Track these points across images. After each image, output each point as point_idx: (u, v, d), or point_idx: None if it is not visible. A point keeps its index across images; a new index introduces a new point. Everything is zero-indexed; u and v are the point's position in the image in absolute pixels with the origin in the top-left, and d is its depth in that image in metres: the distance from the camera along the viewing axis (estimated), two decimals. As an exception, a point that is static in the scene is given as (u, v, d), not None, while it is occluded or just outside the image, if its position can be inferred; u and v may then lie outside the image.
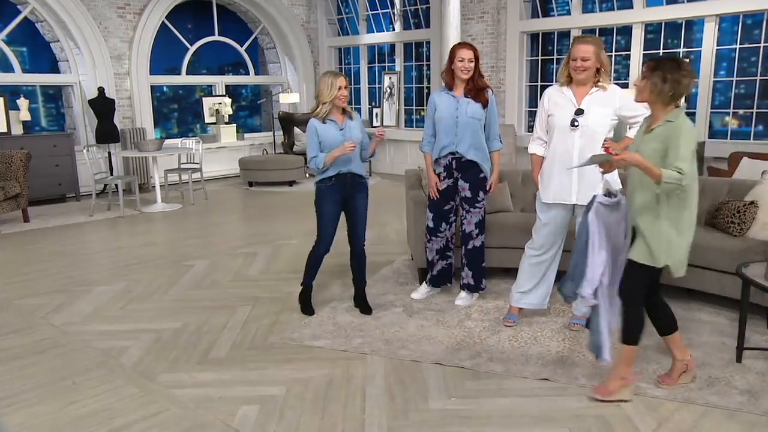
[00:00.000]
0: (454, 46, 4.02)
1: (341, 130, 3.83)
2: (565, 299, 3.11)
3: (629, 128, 3.60)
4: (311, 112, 3.91)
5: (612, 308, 2.92)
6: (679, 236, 2.77)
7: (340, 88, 3.75)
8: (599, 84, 3.48)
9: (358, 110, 11.42)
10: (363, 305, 4.13)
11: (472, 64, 3.90)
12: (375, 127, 10.62)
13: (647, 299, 2.94)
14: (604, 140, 3.47)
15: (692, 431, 2.66)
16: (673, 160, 2.62)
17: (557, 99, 3.56)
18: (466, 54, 3.89)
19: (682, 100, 2.83)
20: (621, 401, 2.90)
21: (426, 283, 4.37)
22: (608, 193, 2.92)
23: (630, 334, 2.88)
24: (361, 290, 4.17)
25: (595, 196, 2.94)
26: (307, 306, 4.12)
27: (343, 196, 3.92)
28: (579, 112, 3.46)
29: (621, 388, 2.91)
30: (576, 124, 3.45)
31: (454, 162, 4.03)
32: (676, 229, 2.76)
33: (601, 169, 2.95)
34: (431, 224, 4.18)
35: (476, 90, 3.94)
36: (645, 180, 2.73)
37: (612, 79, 6.31)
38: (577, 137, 3.47)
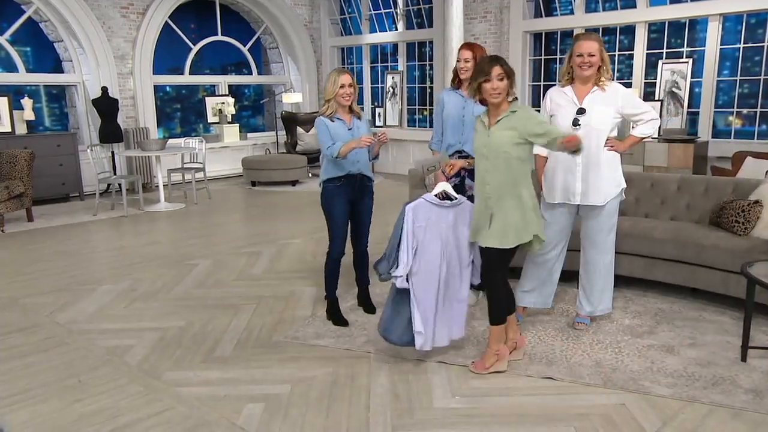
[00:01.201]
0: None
1: (350, 129, 3.74)
2: (380, 277, 3.33)
3: (633, 126, 3.60)
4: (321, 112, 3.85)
5: (446, 307, 3.32)
6: (534, 210, 3.10)
7: (342, 86, 3.64)
8: (599, 83, 3.47)
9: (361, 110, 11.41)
10: (367, 304, 4.13)
11: (469, 64, 3.86)
12: (378, 127, 10.64)
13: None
14: (607, 139, 3.48)
15: (697, 430, 2.66)
16: (549, 130, 2.99)
17: (559, 99, 3.56)
18: (463, 54, 3.90)
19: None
20: (497, 372, 3.19)
21: None
22: (445, 197, 3.28)
23: (498, 316, 3.18)
24: (364, 289, 4.17)
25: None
26: (338, 319, 3.91)
27: (351, 198, 3.84)
28: (581, 111, 3.46)
29: (496, 362, 3.21)
30: (578, 123, 3.45)
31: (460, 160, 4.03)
32: (532, 202, 3.08)
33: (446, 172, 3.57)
34: None
35: None
36: (507, 165, 3.01)
37: (615, 78, 6.32)
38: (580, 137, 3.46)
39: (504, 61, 3.05)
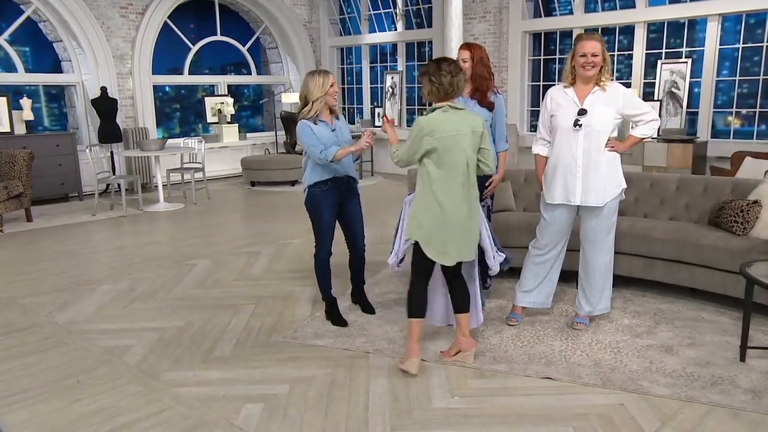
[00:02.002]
0: None
1: (333, 130, 3.73)
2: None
3: (632, 126, 3.59)
4: (298, 113, 3.73)
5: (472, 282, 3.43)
6: (422, 214, 3.12)
7: (332, 85, 3.65)
8: (600, 83, 3.47)
9: (360, 110, 11.43)
10: (363, 303, 4.13)
11: (467, 65, 3.80)
12: (378, 127, 10.65)
13: (444, 278, 3.34)
14: (608, 140, 3.48)
15: (696, 430, 2.66)
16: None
17: (560, 99, 3.55)
18: (462, 54, 3.85)
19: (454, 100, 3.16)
20: (406, 372, 3.17)
21: None
22: None
23: (410, 309, 3.23)
24: (360, 289, 4.17)
25: None
26: (337, 319, 3.91)
27: (338, 200, 3.82)
28: (582, 112, 3.45)
29: (406, 359, 3.20)
30: (579, 124, 3.45)
31: None
32: (423, 206, 3.13)
33: None
34: None
35: (480, 92, 3.86)
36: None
37: (614, 78, 6.30)
38: (581, 137, 3.46)
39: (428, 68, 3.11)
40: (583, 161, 3.47)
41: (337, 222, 3.91)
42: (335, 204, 3.82)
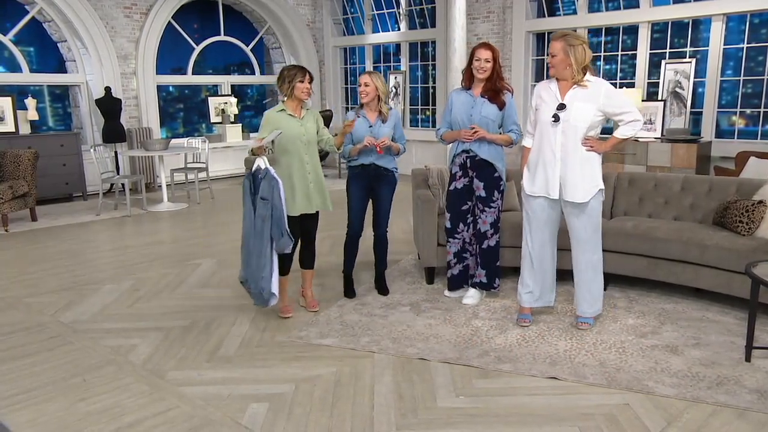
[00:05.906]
0: (474, 46, 4.04)
1: (370, 127, 4.14)
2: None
3: (616, 126, 3.59)
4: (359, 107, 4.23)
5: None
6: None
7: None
8: (580, 83, 3.46)
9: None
10: (381, 286, 4.43)
11: (489, 65, 3.92)
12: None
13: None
14: (587, 138, 3.48)
15: (701, 430, 2.66)
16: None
17: (543, 94, 3.61)
18: (483, 54, 3.92)
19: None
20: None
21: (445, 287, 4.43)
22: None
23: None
24: (381, 273, 4.46)
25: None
26: (347, 291, 4.40)
27: (368, 184, 4.22)
28: (561, 107, 3.48)
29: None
30: (557, 119, 3.46)
31: (468, 161, 4.05)
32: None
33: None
34: (449, 225, 4.21)
35: (493, 91, 3.95)
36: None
37: (618, 78, 6.27)
38: (559, 132, 3.49)
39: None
40: (561, 155, 3.50)
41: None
42: (364, 187, 4.23)
